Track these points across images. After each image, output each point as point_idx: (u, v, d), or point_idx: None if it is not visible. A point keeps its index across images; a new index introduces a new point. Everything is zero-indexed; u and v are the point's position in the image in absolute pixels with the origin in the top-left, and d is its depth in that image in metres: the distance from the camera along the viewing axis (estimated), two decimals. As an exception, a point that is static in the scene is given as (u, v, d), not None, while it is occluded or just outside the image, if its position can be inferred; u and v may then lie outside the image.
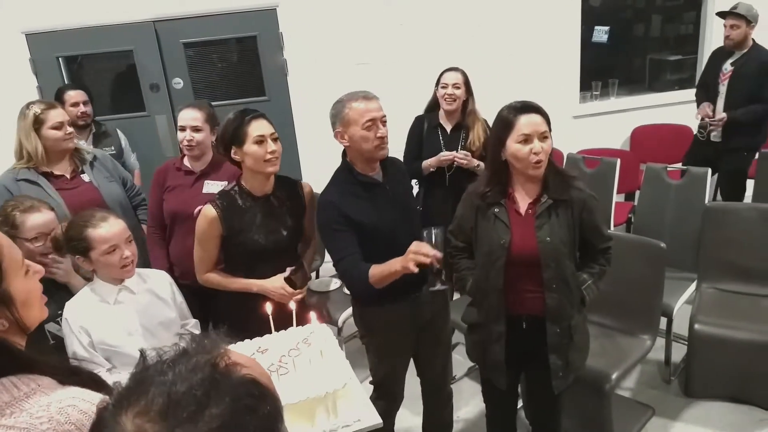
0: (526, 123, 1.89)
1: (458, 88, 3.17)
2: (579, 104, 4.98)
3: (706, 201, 3.42)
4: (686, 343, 2.98)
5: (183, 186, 2.60)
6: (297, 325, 1.89)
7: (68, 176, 2.65)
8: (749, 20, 3.81)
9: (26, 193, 2.51)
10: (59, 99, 3.51)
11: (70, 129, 2.62)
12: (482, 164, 3.10)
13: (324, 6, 4.33)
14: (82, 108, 3.56)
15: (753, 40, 3.90)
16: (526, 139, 1.89)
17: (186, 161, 2.63)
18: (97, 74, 4.60)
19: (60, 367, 1.10)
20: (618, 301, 2.78)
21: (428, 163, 3.21)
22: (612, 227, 3.87)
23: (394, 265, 1.94)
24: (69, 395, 0.99)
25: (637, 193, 3.89)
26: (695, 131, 4.18)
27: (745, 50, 3.91)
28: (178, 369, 0.65)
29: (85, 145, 3.13)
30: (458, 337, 3.32)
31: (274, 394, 0.71)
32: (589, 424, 2.64)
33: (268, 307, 1.90)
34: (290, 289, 2.14)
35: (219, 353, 0.68)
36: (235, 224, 2.17)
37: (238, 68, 4.68)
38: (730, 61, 3.97)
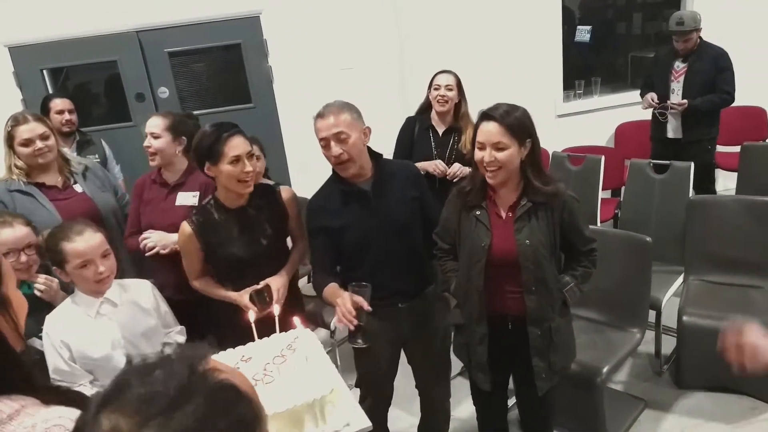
0: (482, 130, 1.91)
1: (450, 90, 3.18)
2: (563, 103, 5.02)
3: (690, 195, 3.46)
4: (675, 335, 3.01)
5: (158, 199, 2.58)
6: (281, 331, 1.87)
7: (60, 186, 2.62)
8: (698, 29, 3.98)
9: (20, 203, 2.51)
10: (45, 107, 3.50)
11: (42, 144, 2.54)
12: None
13: (307, 12, 4.35)
14: (67, 116, 3.56)
15: (700, 37, 4.05)
16: (481, 147, 1.90)
17: (162, 172, 2.61)
18: (83, 85, 4.58)
19: (43, 386, 1.10)
20: (607, 296, 2.82)
21: (420, 166, 3.14)
22: (599, 223, 3.90)
23: (335, 298, 2.01)
24: (55, 415, 0.98)
25: (623, 189, 3.94)
26: (651, 118, 4.29)
27: (695, 48, 4.05)
28: (158, 372, 0.67)
29: (73, 155, 3.12)
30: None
31: (255, 401, 0.72)
32: (581, 419, 2.66)
33: (251, 315, 1.91)
34: (251, 306, 2.11)
35: (200, 358, 0.70)
36: (211, 239, 2.17)
37: (223, 76, 4.68)
38: (680, 59, 4.09)
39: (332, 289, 2.12)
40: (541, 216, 1.94)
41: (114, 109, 4.43)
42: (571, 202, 1.98)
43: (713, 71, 3.98)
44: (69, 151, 3.24)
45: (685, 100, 4.01)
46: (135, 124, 4.37)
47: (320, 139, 2.06)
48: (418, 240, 2.23)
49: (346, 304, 1.93)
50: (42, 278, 2.13)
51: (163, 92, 4.38)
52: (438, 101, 3.18)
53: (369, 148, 2.17)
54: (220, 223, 2.17)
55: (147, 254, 2.47)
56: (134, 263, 2.81)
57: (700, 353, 2.88)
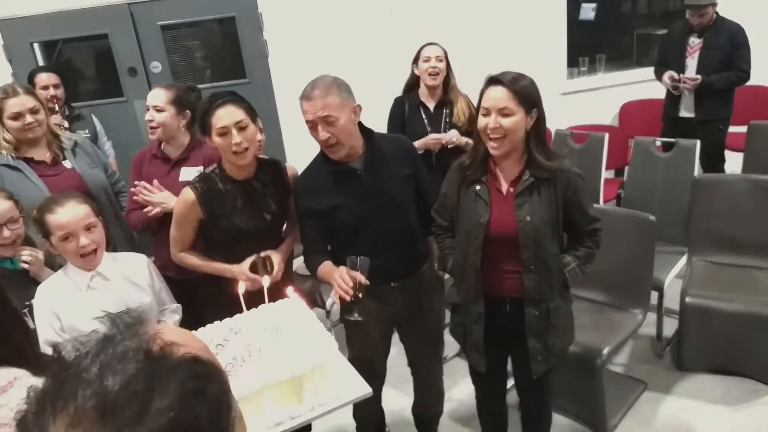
0: (488, 96, 1.83)
1: (441, 61, 3.08)
2: (566, 80, 4.92)
3: (695, 173, 3.38)
4: (677, 317, 2.96)
5: (159, 174, 2.48)
6: (270, 301, 1.83)
7: (49, 162, 2.56)
8: (714, 3, 3.85)
9: (8, 179, 2.46)
10: (30, 82, 3.41)
11: (31, 118, 2.48)
12: (471, 141, 3.03)
13: (303, -16, 4.24)
14: (52, 91, 3.46)
15: (716, 12, 3.92)
16: (486, 113, 1.82)
17: (163, 146, 2.53)
18: (74, 60, 4.49)
19: (34, 357, 1.06)
20: (608, 276, 2.75)
21: (417, 145, 3.10)
22: (601, 203, 3.83)
23: (333, 276, 1.96)
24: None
25: (626, 169, 3.86)
26: (665, 95, 4.17)
27: (711, 23, 3.91)
28: (104, 360, 0.56)
29: (64, 131, 3.05)
30: (449, 316, 3.29)
31: (218, 367, 0.63)
32: (581, 400, 2.62)
33: (241, 286, 1.85)
34: (252, 275, 2.05)
35: (149, 334, 0.59)
36: (215, 208, 2.10)
37: (218, 50, 4.59)
38: (695, 34, 3.96)
39: (327, 267, 2.07)
40: (544, 192, 1.86)
41: (106, 84, 4.34)
42: (576, 178, 1.89)
43: (729, 47, 3.85)
44: (65, 130, 3.17)
45: (698, 76, 3.89)
46: (127, 99, 4.29)
47: (307, 121, 1.97)
48: (412, 219, 2.16)
49: (343, 276, 1.89)
50: (27, 251, 2.09)
51: (156, 67, 4.28)
52: (429, 74, 3.08)
53: (360, 124, 2.08)
54: (224, 193, 2.10)
55: (150, 214, 2.38)
56: (128, 242, 2.76)
57: (701, 335, 2.84)
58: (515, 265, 1.90)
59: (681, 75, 3.96)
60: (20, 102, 2.48)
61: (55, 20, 4.07)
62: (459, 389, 2.90)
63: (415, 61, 3.15)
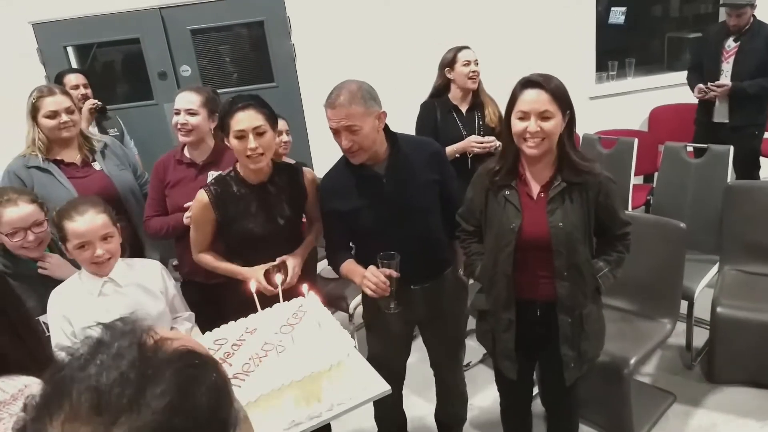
0: (525, 99, 1.78)
1: (478, 64, 3.09)
2: (595, 84, 4.86)
3: (728, 180, 3.30)
4: (708, 327, 2.89)
5: (186, 179, 2.48)
6: (284, 300, 1.84)
7: (78, 164, 2.59)
8: (753, 5, 3.75)
9: (38, 180, 2.49)
10: (59, 83, 3.48)
11: (67, 117, 2.52)
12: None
13: (331, -11, 4.26)
14: (82, 90, 3.52)
15: (754, 15, 3.82)
16: (523, 117, 1.78)
17: (186, 152, 2.51)
18: (106, 63, 4.58)
19: (47, 363, 1.06)
20: (637, 284, 2.70)
21: (452, 149, 3.02)
22: (630, 210, 3.76)
23: (356, 275, 2.03)
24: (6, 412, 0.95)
25: (656, 175, 3.78)
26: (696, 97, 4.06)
27: (748, 26, 3.81)
28: (99, 360, 0.56)
29: (93, 132, 3.11)
30: (473, 322, 3.26)
31: (217, 363, 0.63)
32: (608, 411, 2.57)
33: (252, 285, 1.86)
34: (264, 283, 2.04)
35: (143, 332, 0.60)
36: (228, 211, 2.11)
37: (246, 54, 4.63)
38: (733, 37, 3.86)
39: (350, 265, 2.11)
40: (576, 197, 1.83)
41: (136, 87, 4.41)
42: (608, 182, 1.86)
43: (766, 52, 3.75)
44: (95, 131, 3.22)
45: (726, 82, 3.80)
46: (157, 102, 4.35)
47: (330, 128, 1.98)
48: (434, 224, 2.14)
49: (376, 273, 1.94)
50: (48, 260, 2.10)
51: (185, 70, 4.34)
52: (470, 77, 3.06)
53: (386, 127, 2.08)
54: (238, 196, 2.11)
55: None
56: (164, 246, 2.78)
57: (733, 347, 2.77)
58: (547, 271, 1.87)
59: (708, 84, 3.86)
60: (57, 101, 2.51)
61: (88, 24, 4.16)
62: (482, 396, 2.87)
63: (450, 65, 3.11)
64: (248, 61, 4.59)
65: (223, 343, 1.72)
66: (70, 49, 4.34)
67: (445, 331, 2.30)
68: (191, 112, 2.43)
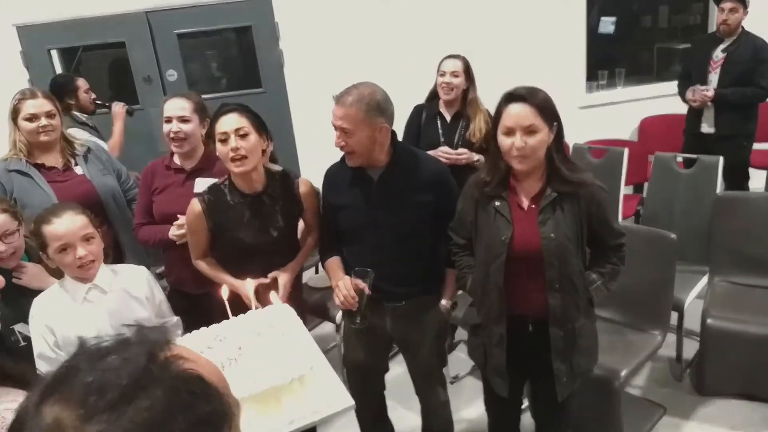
0: (509, 114, 1.75)
1: (456, 76, 3.05)
2: (585, 94, 4.86)
3: (717, 191, 3.30)
4: (698, 338, 2.87)
5: (173, 185, 2.42)
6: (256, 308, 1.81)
7: (60, 168, 2.55)
8: (746, 5, 3.73)
9: (18, 184, 2.45)
10: (71, 86, 3.54)
11: (47, 121, 2.48)
12: (482, 158, 2.97)
13: (320, -6, 4.23)
14: (92, 94, 3.59)
15: (742, 26, 3.81)
16: (508, 132, 1.75)
17: (176, 158, 2.45)
18: (91, 67, 4.51)
19: (18, 374, 1.04)
20: (627, 296, 2.66)
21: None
22: (620, 220, 3.75)
23: (333, 278, 2.10)
24: (7, 398, 0.94)
25: (646, 185, 3.77)
26: (687, 110, 4.07)
27: (736, 36, 3.81)
28: (111, 358, 0.59)
29: (80, 134, 3.07)
30: (462, 334, 3.21)
31: (225, 395, 0.62)
32: (598, 424, 2.53)
33: (224, 291, 1.82)
34: (254, 300, 1.96)
35: (161, 344, 0.61)
36: (221, 221, 2.09)
37: (234, 60, 4.59)
38: (720, 48, 3.86)
39: (333, 264, 2.16)
40: (567, 208, 1.79)
41: (121, 92, 4.34)
42: (600, 192, 1.83)
43: (752, 62, 3.74)
44: (80, 133, 3.18)
45: (710, 88, 3.80)
46: (143, 107, 4.29)
47: (332, 122, 2.00)
48: (418, 246, 2.09)
49: (347, 286, 1.99)
50: (25, 267, 2.05)
51: (171, 75, 4.28)
52: (443, 88, 3.07)
53: (394, 138, 2.06)
54: (231, 206, 2.09)
55: (178, 243, 2.32)
56: (145, 249, 2.72)
57: (723, 358, 2.76)
58: (539, 284, 1.83)
59: (693, 87, 3.87)
60: (37, 104, 2.48)
61: (73, 28, 4.09)
62: (471, 410, 2.83)
63: (437, 71, 3.13)
64: (236, 67, 4.55)
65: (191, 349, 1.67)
66: (54, 53, 4.27)
67: (414, 360, 2.27)
68: (184, 119, 2.37)
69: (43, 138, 2.49)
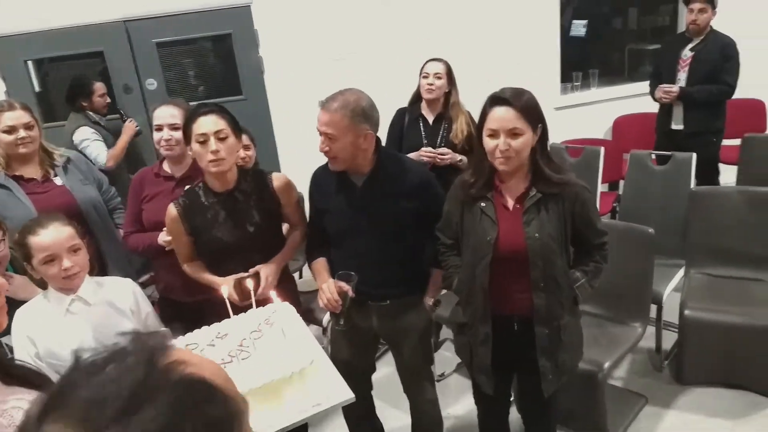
0: (494, 117, 1.78)
1: (439, 78, 3.11)
2: (560, 95, 4.95)
3: (691, 186, 3.39)
4: (677, 330, 2.95)
5: (162, 193, 2.42)
6: (257, 306, 1.83)
7: (39, 179, 2.53)
8: (714, 5, 3.82)
9: None
10: (88, 89, 3.66)
11: (25, 133, 2.46)
12: (465, 159, 3.03)
13: (299, 1, 4.25)
14: (107, 98, 3.69)
15: (711, 26, 3.90)
16: (493, 134, 1.78)
17: (165, 165, 2.46)
18: (67, 78, 4.47)
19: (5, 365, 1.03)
20: (608, 290, 2.71)
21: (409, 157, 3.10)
22: (598, 217, 3.83)
23: (318, 280, 2.14)
24: (13, 396, 0.94)
25: (621, 182, 3.86)
26: (659, 109, 4.16)
27: (704, 36, 3.90)
28: (110, 368, 0.57)
29: (57, 148, 3.05)
30: (447, 332, 3.26)
31: (231, 395, 0.61)
32: (582, 415, 2.60)
33: (224, 290, 1.85)
34: (234, 294, 2.01)
35: (160, 350, 0.59)
36: (197, 223, 2.11)
37: (213, 67, 4.59)
38: (689, 47, 3.95)
39: (319, 265, 2.19)
40: (552, 208, 1.83)
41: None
42: (584, 192, 1.87)
43: (719, 61, 3.83)
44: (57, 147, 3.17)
45: (675, 86, 3.89)
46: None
47: (317, 127, 2.02)
48: (400, 249, 2.12)
49: (331, 289, 2.03)
50: (10, 278, 2.02)
51: (151, 84, 4.27)
52: (426, 89, 3.13)
53: (378, 145, 2.08)
54: (206, 206, 2.11)
55: (167, 249, 2.32)
56: (127, 258, 2.72)
57: (701, 348, 2.84)
58: (524, 284, 1.86)
59: (661, 86, 3.95)
60: (15, 116, 2.46)
61: (50, 38, 4.05)
62: (458, 406, 2.87)
63: (420, 74, 3.18)
64: (216, 74, 4.54)
65: (194, 347, 1.69)
66: (30, 64, 4.23)
67: (403, 357, 2.30)
68: (175, 127, 2.37)
69: (21, 150, 2.47)
